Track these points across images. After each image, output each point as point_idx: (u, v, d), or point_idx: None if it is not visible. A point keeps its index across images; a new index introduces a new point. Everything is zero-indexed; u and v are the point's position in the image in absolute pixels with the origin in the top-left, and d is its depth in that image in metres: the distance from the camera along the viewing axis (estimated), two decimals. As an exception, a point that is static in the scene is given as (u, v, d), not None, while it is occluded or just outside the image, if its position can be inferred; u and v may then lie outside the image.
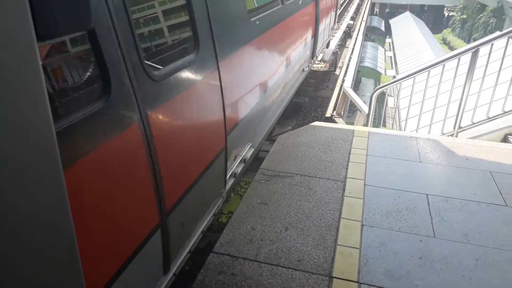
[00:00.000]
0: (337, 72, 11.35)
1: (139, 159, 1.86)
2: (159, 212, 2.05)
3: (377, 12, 57.68)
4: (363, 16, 19.18)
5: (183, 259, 2.47)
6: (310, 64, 7.36)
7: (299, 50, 5.92)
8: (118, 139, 1.71)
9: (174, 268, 2.37)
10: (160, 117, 2.05)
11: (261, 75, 4.09)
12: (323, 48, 8.79)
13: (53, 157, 1.23)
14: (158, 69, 2.07)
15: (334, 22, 10.80)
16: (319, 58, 9.48)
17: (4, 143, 1.06)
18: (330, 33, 10.23)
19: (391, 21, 46.88)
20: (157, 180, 1.99)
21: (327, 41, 9.86)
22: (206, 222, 2.83)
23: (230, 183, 3.38)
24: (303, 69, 6.75)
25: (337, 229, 3.14)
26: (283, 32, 4.79)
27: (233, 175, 3.46)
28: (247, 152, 3.84)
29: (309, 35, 6.58)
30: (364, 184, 3.77)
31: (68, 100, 1.50)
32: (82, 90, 1.57)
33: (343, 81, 8.59)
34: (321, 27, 7.63)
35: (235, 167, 3.51)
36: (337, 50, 12.30)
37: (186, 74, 2.31)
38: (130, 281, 1.88)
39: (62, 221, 1.28)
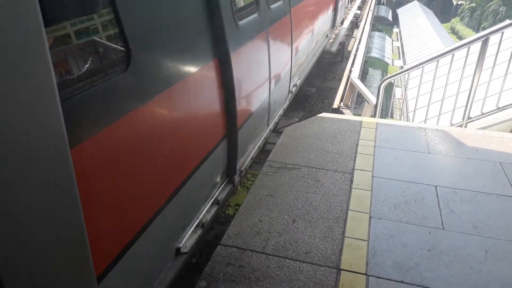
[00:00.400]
0: (344, 62, 11.25)
1: None
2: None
3: (384, 2, 56.99)
4: (370, 5, 18.94)
5: None
6: (330, 33, 9.16)
7: (326, 19, 7.93)
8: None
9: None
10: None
11: (311, 26, 6.18)
12: (340, 21, 10.83)
13: (61, 140, 1.23)
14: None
15: (349, 2, 13.94)
16: (338, 26, 10.97)
17: (12, 125, 1.06)
18: (345, 11, 12.64)
19: (399, 11, 46.29)
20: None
21: (343, 17, 12.09)
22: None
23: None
24: (327, 35, 8.59)
25: (345, 221, 3.13)
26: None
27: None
28: (297, 81, 5.78)
29: (331, 9, 8.59)
30: (372, 176, 3.74)
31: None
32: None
33: (350, 71, 8.50)
34: (340, 4, 9.71)
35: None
36: (344, 40, 12.18)
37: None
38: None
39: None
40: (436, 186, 3.56)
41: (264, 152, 5.03)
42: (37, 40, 1.10)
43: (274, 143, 4.49)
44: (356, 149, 4.26)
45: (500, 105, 5.16)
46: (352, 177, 3.73)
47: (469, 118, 5.26)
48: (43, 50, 1.12)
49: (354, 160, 4.03)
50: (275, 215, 3.21)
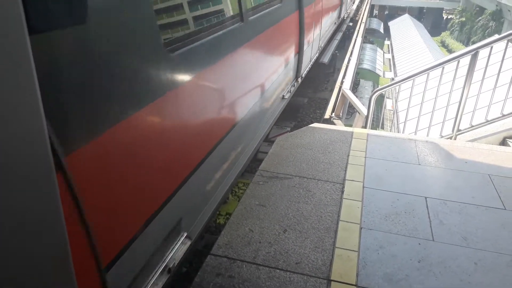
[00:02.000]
0: (336, 73, 11.35)
1: None
2: None
3: (376, 14, 57.89)
4: (362, 18, 19.18)
5: None
6: (293, 88, 5.91)
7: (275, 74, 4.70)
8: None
9: None
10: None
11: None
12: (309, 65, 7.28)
13: (45, 155, 1.21)
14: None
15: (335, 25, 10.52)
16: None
17: None
18: (322, 43, 8.90)
19: (390, 23, 47.01)
20: None
21: (316, 55, 8.18)
22: None
23: None
24: (283, 96, 5.37)
25: (336, 231, 3.13)
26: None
27: None
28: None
29: (290, 53, 5.37)
30: (363, 187, 3.76)
31: None
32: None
33: (341, 82, 8.59)
34: (306, 42, 6.26)
35: None
36: (336, 52, 12.31)
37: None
38: None
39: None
40: (426, 198, 3.59)
41: (255, 161, 5.03)
42: (22, 51, 1.09)
43: (266, 152, 4.49)
44: (347, 159, 4.28)
45: (489, 118, 5.24)
46: (343, 187, 3.74)
47: (458, 130, 5.33)
48: (28, 61, 1.11)
49: (345, 171, 4.04)
50: (266, 225, 3.20)
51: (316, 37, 7.58)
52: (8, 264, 1.15)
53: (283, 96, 5.25)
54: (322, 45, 8.95)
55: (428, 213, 3.37)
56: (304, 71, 6.66)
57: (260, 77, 4.00)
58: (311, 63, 7.56)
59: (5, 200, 1.10)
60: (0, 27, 1.01)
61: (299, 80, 6.35)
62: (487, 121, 5.24)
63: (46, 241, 1.28)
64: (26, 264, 1.22)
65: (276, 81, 4.76)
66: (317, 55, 8.24)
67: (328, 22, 9.68)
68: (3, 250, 1.12)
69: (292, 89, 5.91)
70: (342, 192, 3.66)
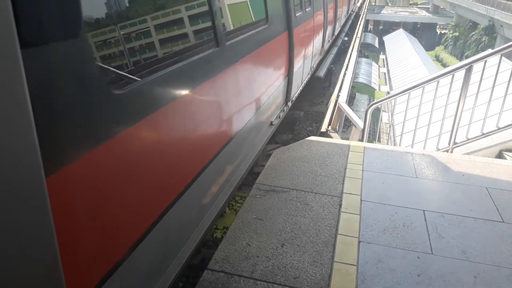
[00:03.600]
0: (331, 87, 11.42)
1: None
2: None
3: (371, 29, 58.60)
4: (357, 33, 19.40)
5: None
6: (282, 113, 5.72)
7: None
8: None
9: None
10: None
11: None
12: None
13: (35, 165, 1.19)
14: None
15: (324, 44, 9.88)
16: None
17: None
18: (315, 63, 8.95)
19: (385, 38, 47.58)
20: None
21: (308, 77, 8.16)
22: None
23: None
24: (271, 122, 5.14)
25: (334, 245, 3.10)
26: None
27: None
28: None
29: (278, 77, 5.19)
30: (361, 200, 3.74)
31: None
32: None
33: (337, 96, 8.63)
34: (297, 64, 6.15)
35: None
36: (332, 66, 12.41)
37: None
38: None
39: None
40: (424, 211, 3.57)
41: (252, 174, 5.01)
42: (13, 65, 1.08)
43: (263, 166, 4.48)
44: (345, 172, 4.27)
45: (485, 131, 5.27)
46: (341, 200, 3.72)
47: (455, 143, 5.35)
48: (19, 75, 1.10)
49: (343, 184, 4.03)
50: (263, 239, 3.17)
51: (308, 57, 7.45)
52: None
53: (271, 122, 4.97)
54: (314, 65, 8.86)
55: (427, 226, 3.35)
56: (294, 94, 6.43)
57: (241, 105, 3.66)
58: (303, 84, 7.42)
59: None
60: None
61: (289, 104, 6.10)
62: (483, 134, 5.27)
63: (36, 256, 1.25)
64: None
65: (262, 107, 4.45)
66: (309, 76, 8.13)
67: (320, 41, 9.46)
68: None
69: (282, 114, 5.62)
70: (340, 205, 3.65)
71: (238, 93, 3.53)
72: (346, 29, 19.68)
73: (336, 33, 13.64)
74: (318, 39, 8.69)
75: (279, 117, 5.44)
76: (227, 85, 3.20)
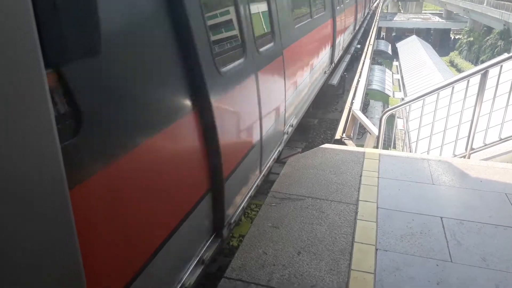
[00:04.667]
0: (345, 95, 11.39)
1: None
2: None
3: (384, 36, 58.36)
4: (370, 40, 19.36)
5: None
6: (328, 69, 8.77)
7: (323, 56, 7.58)
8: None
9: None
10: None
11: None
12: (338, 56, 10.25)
13: (59, 180, 1.23)
14: None
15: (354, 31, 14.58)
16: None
17: (12, 171, 1.07)
18: (344, 45, 11.73)
19: (398, 45, 47.31)
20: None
21: (342, 52, 11.72)
22: None
23: None
24: (325, 71, 8.26)
25: (351, 253, 3.08)
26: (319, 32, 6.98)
27: None
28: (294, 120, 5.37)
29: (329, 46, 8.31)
30: (377, 207, 3.71)
31: None
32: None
33: (351, 103, 8.60)
34: (337, 40, 9.47)
35: None
36: (345, 73, 12.39)
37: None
38: None
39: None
40: (442, 218, 3.53)
41: (267, 182, 5.02)
42: (38, 82, 1.12)
43: (278, 174, 4.48)
44: (360, 180, 4.24)
45: (502, 136, 5.18)
46: (357, 208, 3.70)
47: (472, 149, 5.27)
48: (43, 92, 1.14)
49: (358, 191, 4.01)
50: (279, 247, 3.16)
51: (344, 34, 10.12)
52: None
53: (325, 72, 6.70)
54: (348, 40, 11.74)
55: (445, 233, 3.30)
56: (336, 57, 9.69)
57: (317, 62, 6.88)
58: (340, 54, 10.26)
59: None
60: (18, 63, 1.05)
61: (333, 64, 8.68)
62: (501, 139, 5.18)
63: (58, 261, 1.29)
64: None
65: (322, 62, 7.14)
66: (343, 50, 10.29)
67: (353, 24, 12.63)
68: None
69: (328, 71, 8.22)
70: (356, 213, 3.62)
71: (315, 53, 6.41)
72: (367, 19, 23.63)
73: (362, 19, 19.17)
74: (351, 23, 13.08)
75: (327, 72, 8.45)
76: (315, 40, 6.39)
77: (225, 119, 2.67)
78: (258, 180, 3.78)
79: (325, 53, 7.66)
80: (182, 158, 2.26)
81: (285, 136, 4.78)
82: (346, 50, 13.33)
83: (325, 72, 8.07)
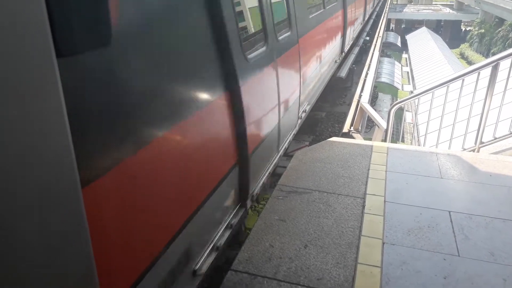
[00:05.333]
0: (353, 87, 11.32)
1: None
2: None
3: (393, 28, 57.72)
4: (379, 32, 19.16)
5: None
6: (339, 58, 8.99)
7: (334, 46, 7.84)
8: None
9: None
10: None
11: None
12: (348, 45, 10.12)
13: (72, 178, 1.24)
14: None
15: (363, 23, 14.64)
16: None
17: (21, 158, 1.08)
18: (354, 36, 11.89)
19: (407, 37, 46.74)
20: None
21: (352, 42, 11.74)
22: None
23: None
24: (336, 60, 8.34)
25: (358, 247, 3.08)
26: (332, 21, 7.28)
27: None
28: (307, 107, 5.64)
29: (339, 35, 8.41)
30: (384, 201, 3.70)
31: None
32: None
33: (360, 96, 8.55)
34: (348, 30, 9.58)
35: None
36: (354, 66, 12.30)
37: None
38: None
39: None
40: (450, 212, 3.51)
41: (274, 175, 5.02)
42: (50, 74, 1.12)
43: (285, 167, 4.48)
44: (368, 173, 4.23)
45: (512, 130, 5.12)
46: (364, 202, 3.69)
47: (481, 142, 5.22)
48: (55, 84, 1.14)
49: (366, 185, 3.99)
50: (286, 240, 3.17)
51: (354, 23, 10.59)
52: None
53: (336, 61, 7.16)
54: (358, 30, 12.87)
55: (453, 228, 3.29)
56: (347, 46, 9.60)
57: (332, 46, 7.53)
58: (351, 43, 10.17)
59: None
60: (30, 52, 1.06)
61: (343, 54, 8.80)
62: (511, 132, 5.12)
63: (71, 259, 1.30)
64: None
65: (334, 51, 7.63)
66: (353, 40, 10.65)
67: (362, 15, 13.50)
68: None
69: (339, 58, 8.66)
70: (363, 206, 3.62)
71: (327, 42, 6.73)
72: (376, 11, 23.65)
73: (371, 10, 19.48)
74: (360, 14, 13.50)
75: (338, 61, 8.66)
76: (327, 30, 6.70)
77: (251, 101, 2.96)
78: (276, 159, 4.10)
79: (336, 43, 7.98)
80: (216, 133, 2.58)
81: (299, 121, 5.09)
82: (355, 41, 13.59)
83: (335, 61, 8.30)
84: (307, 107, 5.53)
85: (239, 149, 2.89)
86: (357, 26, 12.80)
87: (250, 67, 2.92)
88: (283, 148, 4.36)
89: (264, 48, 3.31)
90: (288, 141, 4.53)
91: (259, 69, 3.17)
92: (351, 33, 10.69)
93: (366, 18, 16.46)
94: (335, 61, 8.25)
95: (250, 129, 2.98)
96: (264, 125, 3.47)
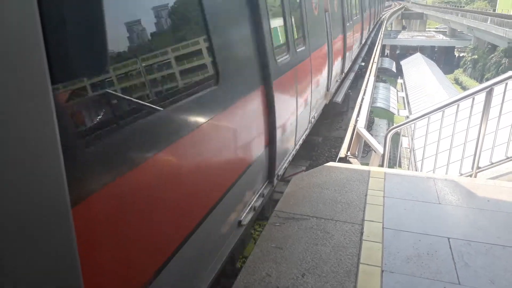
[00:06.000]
0: (349, 112, 11.39)
1: None
2: None
3: (388, 54, 58.68)
4: (374, 57, 19.46)
5: None
6: (339, 78, 9.73)
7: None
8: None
9: None
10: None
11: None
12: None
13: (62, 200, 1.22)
14: None
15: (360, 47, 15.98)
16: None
17: (15, 183, 1.06)
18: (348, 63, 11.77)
19: (402, 62, 47.47)
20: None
21: (350, 64, 12.54)
22: None
23: None
24: (337, 80, 9.29)
25: (356, 275, 3.02)
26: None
27: None
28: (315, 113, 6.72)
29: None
30: (383, 227, 3.66)
31: None
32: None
33: (356, 121, 8.59)
34: (347, 53, 10.44)
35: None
36: (350, 91, 12.42)
37: None
38: None
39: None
40: (449, 238, 3.46)
41: (271, 201, 4.97)
42: (43, 100, 1.12)
43: (282, 192, 4.45)
44: (365, 199, 4.20)
45: (509, 155, 5.12)
46: (362, 228, 3.65)
47: (478, 167, 5.21)
48: (49, 109, 1.14)
49: (364, 211, 3.96)
50: (283, 268, 3.11)
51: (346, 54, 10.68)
52: None
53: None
54: (354, 55, 13.63)
55: (452, 255, 3.24)
56: (333, 86, 9.07)
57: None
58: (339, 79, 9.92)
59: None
60: (25, 79, 1.06)
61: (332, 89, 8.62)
62: (508, 157, 5.12)
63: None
64: None
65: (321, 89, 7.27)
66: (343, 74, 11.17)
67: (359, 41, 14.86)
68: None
69: (339, 80, 9.61)
70: (362, 233, 3.57)
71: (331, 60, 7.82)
72: (371, 37, 24.77)
73: (367, 36, 21.08)
74: (358, 39, 14.82)
75: (339, 80, 9.63)
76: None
77: (278, 96, 3.84)
78: (294, 150, 5.15)
79: (338, 62, 9.18)
80: (254, 117, 3.42)
81: (310, 125, 6.17)
82: (353, 64, 14.39)
83: (337, 81, 9.32)
84: (315, 113, 6.57)
85: (269, 132, 3.78)
86: (355, 50, 14.13)
87: (278, 67, 3.93)
88: (298, 144, 5.39)
89: (287, 56, 4.39)
90: (302, 139, 5.61)
91: (284, 72, 4.17)
92: (350, 56, 11.96)
93: (362, 42, 18.21)
94: (336, 81, 9.23)
95: (278, 116, 3.84)
96: (286, 117, 4.42)
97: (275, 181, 4.17)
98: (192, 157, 2.31)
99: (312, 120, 6.32)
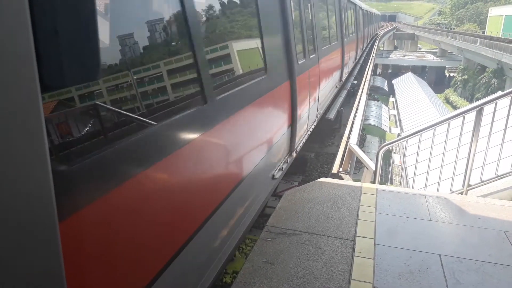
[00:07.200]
0: (342, 129, 11.47)
1: None
2: None
3: (380, 73, 59.51)
4: (366, 75, 19.73)
5: None
6: (338, 84, 11.65)
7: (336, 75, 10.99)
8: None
9: None
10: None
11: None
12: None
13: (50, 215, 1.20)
14: None
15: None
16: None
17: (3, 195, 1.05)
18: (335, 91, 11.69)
19: (394, 81, 48.16)
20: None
21: (347, 75, 14.27)
22: None
23: None
24: (336, 86, 10.95)
25: (348, 291, 2.99)
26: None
27: None
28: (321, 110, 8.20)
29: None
30: (374, 244, 3.65)
31: None
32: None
33: (348, 138, 8.64)
34: (345, 63, 12.14)
35: None
36: (342, 108, 12.53)
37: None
38: None
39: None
40: (440, 255, 3.46)
41: (263, 216, 4.95)
42: (33, 108, 1.11)
43: (274, 207, 4.43)
44: (357, 215, 4.19)
45: (499, 173, 5.17)
46: (354, 244, 3.63)
47: (469, 185, 5.25)
48: (39, 119, 1.13)
49: (356, 227, 3.95)
50: (274, 284, 3.08)
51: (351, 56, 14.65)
52: None
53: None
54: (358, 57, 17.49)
55: (444, 272, 3.23)
56: (345, 75, 12.09)
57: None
58: (348, 72, 13.59)
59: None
60: (14, 86, 1.05)
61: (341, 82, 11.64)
62: (498, 176, 5.17)
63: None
64: None
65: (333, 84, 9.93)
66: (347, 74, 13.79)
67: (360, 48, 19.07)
68: None
69: (342, 80, 12.01)
70: (353, 249, 3.55)
71: (333, 68, 9.60)
72: (363, 56, 25.66)
73: (361, 53, 22.89)
74: (353, 52, 16.37)
75: (338, 87, 11.00)
76: (333, 59, 9.44)
77: (298, 89, 5.06)
78: (306, 134, 6.45)
79: (338, 70, 10.63)
80: (281, 104, 4.54)
81: (317, 118, 7.39)
82: (349, 76, 15.79)
83: (336, 87, 10.62)
84: (320, 111, 7.79)
85: (292, 115, 4.97)
86: (351, 62, 15.97)
87: (299, 67, 5.15)
88: (309, 130, 6.68)
89: (303, 60, 5.71)
90: (311, 128, 6.87)
91: (301, 71, 5.36)
92: (347, 66, 13.49)
93: (357, 58, 19.96)
94: (336, 86, 10.62)
95: (299, 103, 5.11)
96: (303, 105, 5.70)
97: (294, 154, 5.49)
98: (251, 123, 3.49)
99: (318, 115, 7.63)
